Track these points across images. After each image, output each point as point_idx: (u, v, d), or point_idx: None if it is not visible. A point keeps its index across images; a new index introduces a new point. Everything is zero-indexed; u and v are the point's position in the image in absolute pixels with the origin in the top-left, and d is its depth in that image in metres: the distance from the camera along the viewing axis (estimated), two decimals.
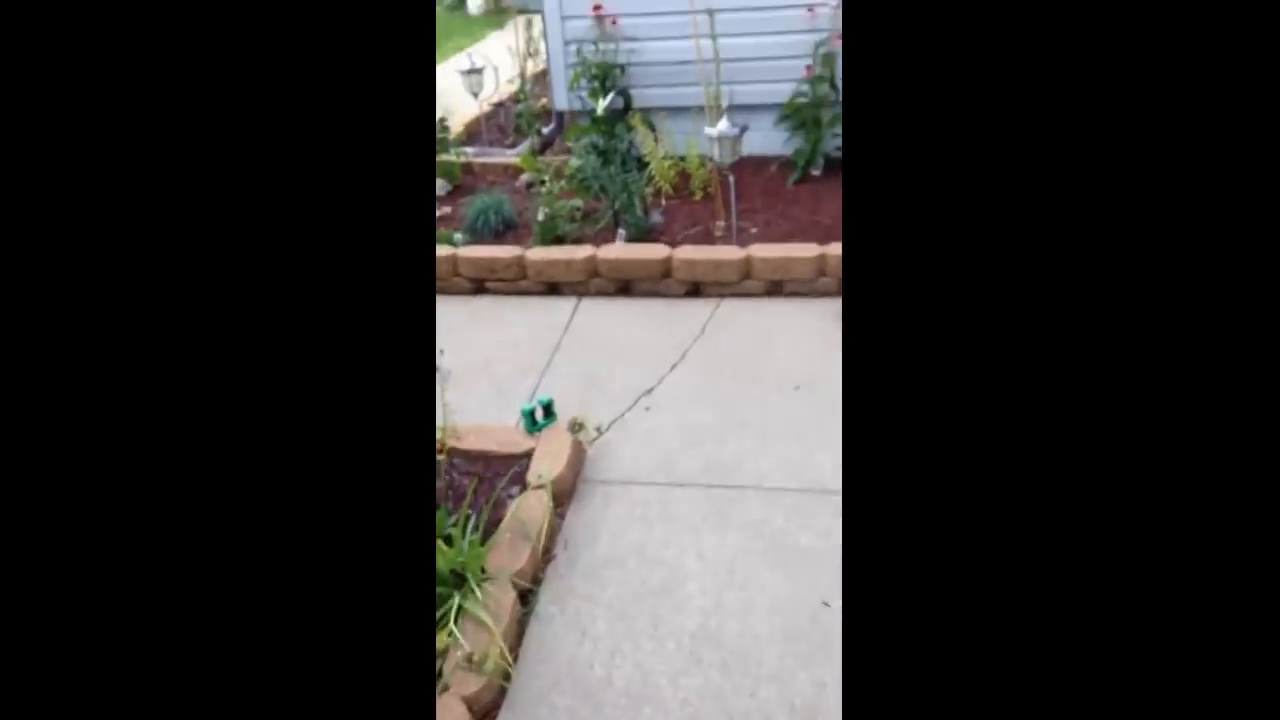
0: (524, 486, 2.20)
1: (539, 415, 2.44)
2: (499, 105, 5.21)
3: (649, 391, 2.69)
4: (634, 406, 2.62)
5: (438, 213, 3.99)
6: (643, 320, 3.12)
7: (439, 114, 4.40)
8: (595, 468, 2.34)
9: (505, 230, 3.71)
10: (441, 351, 2.07)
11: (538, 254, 3.35)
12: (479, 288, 3.42)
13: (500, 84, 5.24)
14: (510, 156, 4.55)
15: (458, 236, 3.61)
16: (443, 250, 3.43)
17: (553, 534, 2.09)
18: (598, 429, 2.43)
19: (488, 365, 2.90)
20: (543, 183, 3.88)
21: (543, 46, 4.47)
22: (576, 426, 2.29)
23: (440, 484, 2.22)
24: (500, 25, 7.94)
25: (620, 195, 3.55)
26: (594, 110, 3.90)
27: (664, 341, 2.95)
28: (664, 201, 3.82)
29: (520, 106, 4.82)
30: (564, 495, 2.21)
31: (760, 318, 3.05)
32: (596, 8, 3.99)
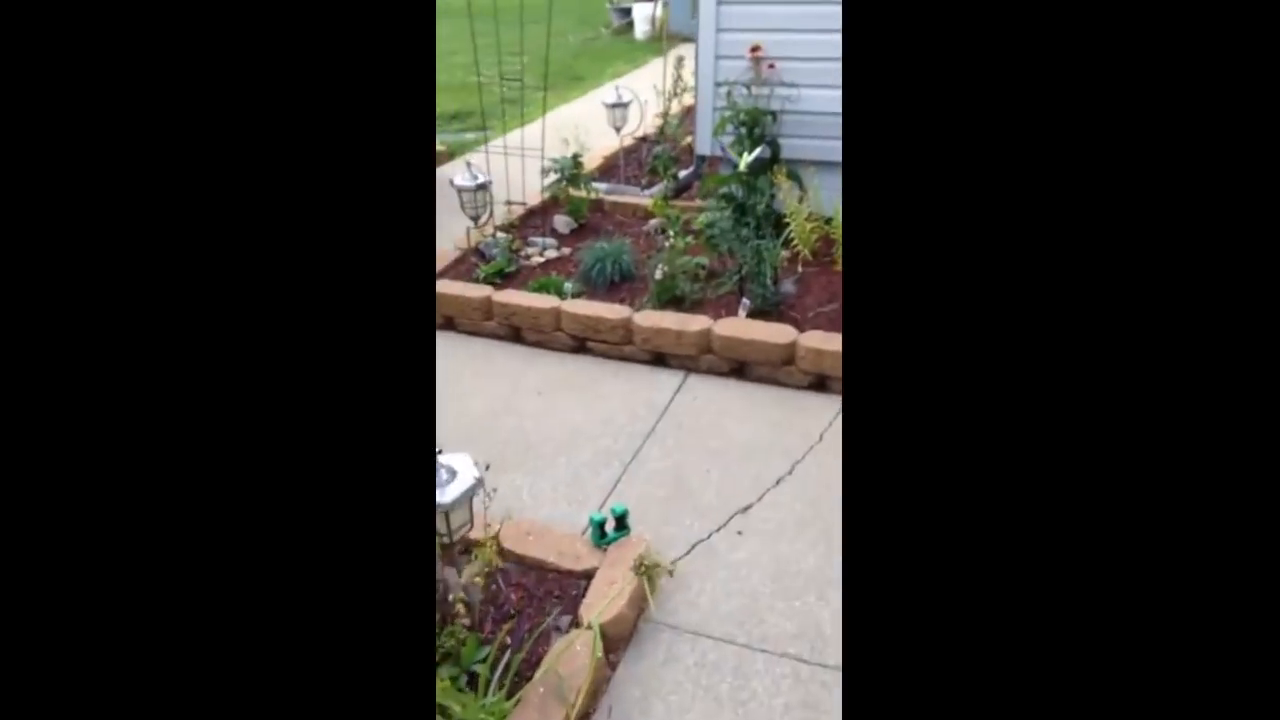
0: (575, 621, 1.85)
1: (609, 527, 2.09)
2: (641, 140, 4.97)
3: (745, 510, 2.27)
4: (725, 526, 2.21)
5: (555, 254, 3.77)
6: (753, 414, 2.70)
7: (574, 149, 4.20)
8: (664, 604, 1.95)
9: (622, 281, 3.41)
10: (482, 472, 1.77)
11: (647, 319, 3.01)
12: (580, 346, 3.13)
13: (647, 117, 4.99)
14: (643, 197, 4.27)
15: (568, 286, 3.34)
16: (548, 302, 3.17)
17: (596, 693, 1.72)
18: (670, 570, 2.02)
19: (571, 443, 2.58)
20: (666, 233, 3.56)
21: (693, 84, 4.17)
22: (643, 568, 1.90)
23: (483, 596, 1.91)
24: (663, 52, 7.76)
25: (749, 261, 3.15)
26: (736, 163, 3.52)
27: (774, 445, 2.51)
28: (800, 268, 3.37)
29: (659, 149, 4.54)
30: (620, 639, 1.84)
31: None
32: (754, 49, 3.62)
